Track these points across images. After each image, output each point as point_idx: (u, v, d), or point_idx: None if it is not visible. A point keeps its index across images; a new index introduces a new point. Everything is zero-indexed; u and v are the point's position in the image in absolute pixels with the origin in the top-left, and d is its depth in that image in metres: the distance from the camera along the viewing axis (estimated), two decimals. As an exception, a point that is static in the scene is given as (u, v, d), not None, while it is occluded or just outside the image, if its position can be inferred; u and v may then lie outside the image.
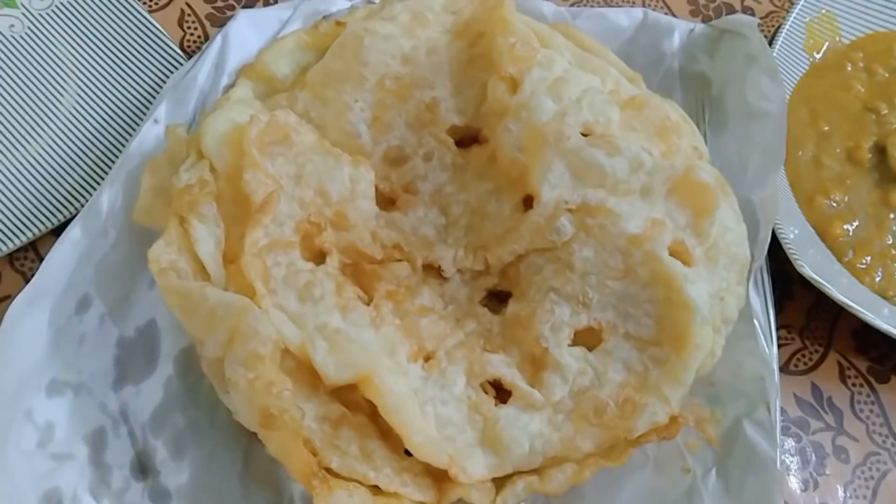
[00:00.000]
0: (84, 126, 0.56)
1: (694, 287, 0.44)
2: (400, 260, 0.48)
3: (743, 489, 0.45)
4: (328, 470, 0.42)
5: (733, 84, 0.55)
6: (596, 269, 0.46)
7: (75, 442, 0.44)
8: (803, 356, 0.55)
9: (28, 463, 0.42)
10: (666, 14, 0.62)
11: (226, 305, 0.42)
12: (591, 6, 0.63)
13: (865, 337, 0.56)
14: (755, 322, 0.48)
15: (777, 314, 0.54)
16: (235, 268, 0.44)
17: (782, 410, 0.52)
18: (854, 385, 0.55)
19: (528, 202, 0.48)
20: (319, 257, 0.47)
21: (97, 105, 0.56)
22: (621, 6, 0.62)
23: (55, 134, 0.55)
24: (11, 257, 0.52)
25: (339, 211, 0.48)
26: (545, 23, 0.54)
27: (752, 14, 0.66)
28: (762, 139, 0.52)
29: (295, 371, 0.43)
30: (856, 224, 0.57)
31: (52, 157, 0.54)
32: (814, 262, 0.54)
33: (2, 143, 0.54)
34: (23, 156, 0.54)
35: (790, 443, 0.53)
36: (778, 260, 0.53)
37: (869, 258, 0.56)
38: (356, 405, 0.44)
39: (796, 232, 0.55)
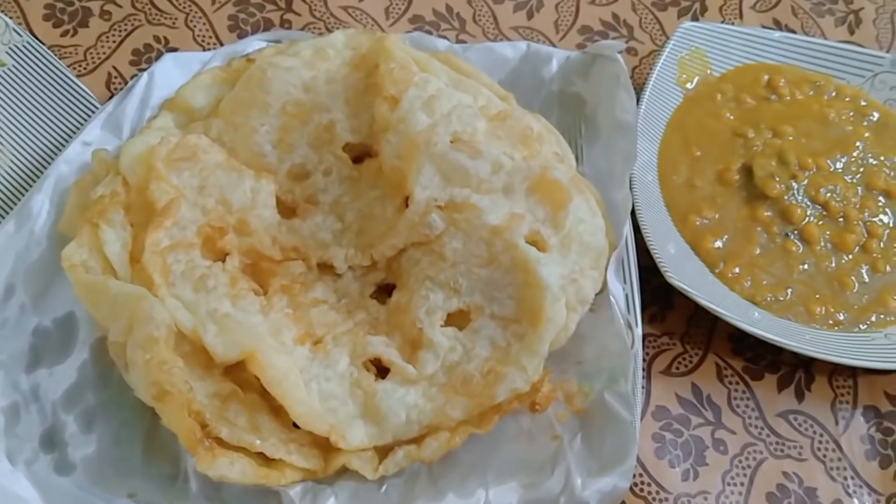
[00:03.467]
0: (21, 182, 0.61)
1: (546, 269, 0.50)
2: (296, 259, 0.54)
3: (602, 446, 0.50)
4: (219, 441, 0.47)
5: (604, 102, 0.62)
6: (464, 259, 0.52)
7: None
8: (684, 359, 0.60)
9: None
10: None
11: (125, 295, 0.47)
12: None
13: (740, 340, 0.61)
14: (614, 306, 0.53)
15: (660, 322, 0.61)
16: (140, 266, 0.50)
17: (665, 409, 0.58)
18: (731, 383, 0.59)
19: (407, 203, 0.54)
20: (222, 258, 0.53)
21: (32, 163, 0.62)
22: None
23: None
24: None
25: (241, 218, 0.54)
26: (436, 55, 0.61)
27: (636, 53, 0.73)
28: (623, 147, 0.58)
29: (190, 354, 0.48)
30: (726, 238, 0.62)
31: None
32: (690, 275, 0.59)
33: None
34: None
35: (671, 437, 0.57)
36: (661, 273, 0.58)
37: (738, 269, 0.61)
38: (249, 384, 0.49)
39: (673, 248, 0.61)
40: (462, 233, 0.52)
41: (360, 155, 0.59)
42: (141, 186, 0.52)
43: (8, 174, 0.61)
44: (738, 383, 0.59)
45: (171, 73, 0.62)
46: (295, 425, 0.49)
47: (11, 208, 0.59)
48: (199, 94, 0.60)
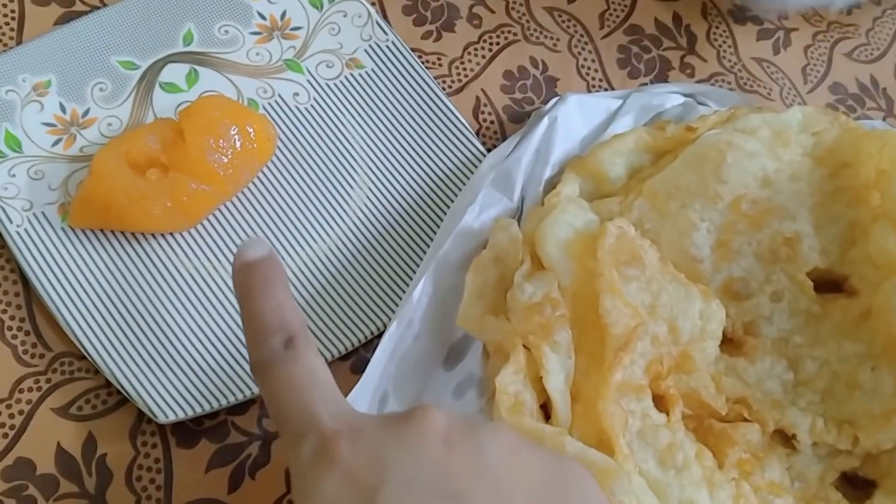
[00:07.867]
0: (372, 223, 0.48)
1: None
2: (748, 420, 0.41)
3: None
4: None
5: None
6: None
7: None
8: None
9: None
10: None
11: (587, 464, 0.35)
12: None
13: None
14: None
15: None
16: (581, 409, 0.38)
17: None
18: None
19: (917, 381, 0.41)
20: (661, 403, 0.40)
21: (388, 198, 0.49)
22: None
23: (343, 232, 0.47)
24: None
25: (685, 351, 0.41)
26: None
27: None
28: None
29: (636, 546, 0.36)
30: None
31: (344, 258, 0.47)
32: None
33: (288, 243, 0.47)
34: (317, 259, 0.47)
35: None
36: None
37: None
38: None
39: None
40: None
41: (820, 283, 0.45)
42: (578, 292, 0.40)
43: (360, 210, 0.48)
44: None
45: (574, 121, 0.49)
46: None
47: (362, 252, 0.47)
48: (617, 160, 0.47)
